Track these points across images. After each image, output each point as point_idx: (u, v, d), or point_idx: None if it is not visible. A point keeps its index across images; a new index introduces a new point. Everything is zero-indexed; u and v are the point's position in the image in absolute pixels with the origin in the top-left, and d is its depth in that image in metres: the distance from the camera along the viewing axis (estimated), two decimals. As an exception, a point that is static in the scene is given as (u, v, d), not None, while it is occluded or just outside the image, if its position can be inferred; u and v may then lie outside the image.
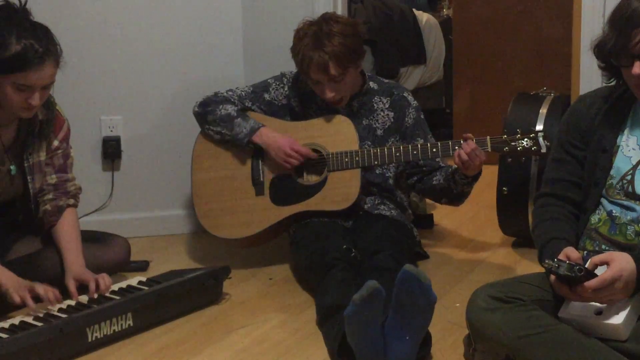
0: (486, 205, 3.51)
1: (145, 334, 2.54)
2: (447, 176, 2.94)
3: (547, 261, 2.02)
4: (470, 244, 3.40)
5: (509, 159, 2.85)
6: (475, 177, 2.87)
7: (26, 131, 2.71)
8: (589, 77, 3.23)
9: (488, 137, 2.77)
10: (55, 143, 2.79)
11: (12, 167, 2.70)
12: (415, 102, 3.13)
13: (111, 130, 3.47)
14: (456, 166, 2.85)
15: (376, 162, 2.95)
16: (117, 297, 2.61)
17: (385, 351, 2.24)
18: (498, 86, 4.61)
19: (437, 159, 3.00)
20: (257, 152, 3.04)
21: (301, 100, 3.10)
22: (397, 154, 2.90)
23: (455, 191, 2.93)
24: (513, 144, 2.75)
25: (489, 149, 2.76)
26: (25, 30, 2.53)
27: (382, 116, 3.08)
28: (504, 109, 3.35)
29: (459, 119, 4.84)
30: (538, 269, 2.20)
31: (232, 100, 3.07)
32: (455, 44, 4.90)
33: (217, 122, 3.04)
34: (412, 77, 4.92)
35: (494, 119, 3.97)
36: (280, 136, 2.98)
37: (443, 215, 3.60)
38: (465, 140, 2.74)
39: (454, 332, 2.43)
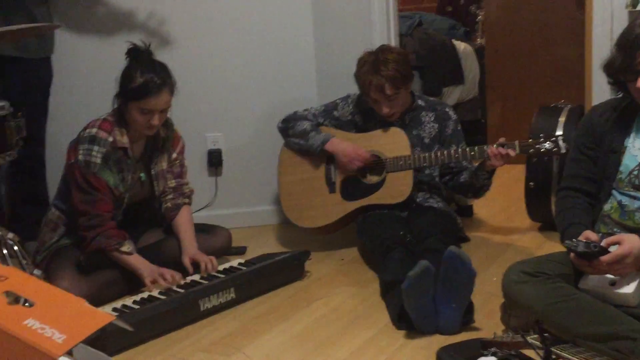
0: (516, 198, 3.45)
1: (245, 305, 2.57)
2: (471, 174, 2.92)
3: (567, 241, 1.98)
4: (504, 229, 3.34)
5: (534, 159, 2.80)
6: (493, 172, 2.84)
7: (152, 146, 2.77)
8: (600, 90, 3.15)
9: (517, 141, 2.73)
10: (174, 155, 2.84)
11: (142, 175, 2.76)
12: (455, 115, 3.09)
13: (214, 144, 3.52)
14: (478, 165, 2.84)
15: (425, 164, 2.93)
16: (222, 276, 2.64)
17: (436, 317, 2.23)
18: (524, 100, 4.53)
19: (464, 162, 2.97)
20: (330, 159, 3.04)
21: (363, 116, 3.09)
22: (442, 157, 2.88)
23: (478, 185, 2.90)
24: (537, 146, 2.70)
25: (518, 151, 2.72)
26: (147, 67, 2.59)
27: (429, 127, 3.05)
28: (529, 119, 3.29)
29: (492, 128, 4.77)
30: (560, 248, 2.15)
31: (308, 117, 3.09)
32: (487, 67, 4.84)
33: (296, 135, 3.06)
34: (453, 94, 4.86)
35: (521, 127, 3.89)
36: (347, 144, 2.98)
37: (481, 206, 3.55)
38: (499, 144, 2.72)
39: (493, 301, 2.39)
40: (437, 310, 2.22)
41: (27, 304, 0.93)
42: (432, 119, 3.06)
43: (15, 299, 0.94)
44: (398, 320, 2.30)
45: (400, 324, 2.30)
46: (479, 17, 5.49)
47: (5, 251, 2.18)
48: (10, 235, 2.24)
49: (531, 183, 3.16)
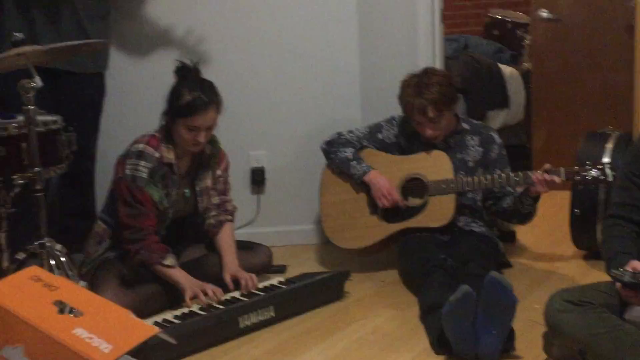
0: (560, 224, 3.39)
1: (284, 323, 2.58)
2: (515, 200, 2.89)
3: (613, 271, 1.95)
4: (547, 256, 3.29)
5: (580, 186, 2.76)
6: (538, 198, 2.82)
7: (197, 163, 2.82)
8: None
9: (562, 167, 2.70)
10: (219, 172, 2.88)
11: (186, 191, 2.80)
12: (499, 139, 3.08)
13: (257, 163, 3.54)
14: (522, 190, 2.81)
15: (468, 188, 2.92)
16: (262, 293, 2.66)
17: (476, 343, 2.20)
18: (570, 125, 4.46)
19: (508, 188, 2.95)
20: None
21: (407, 138, 3.09)
22: (486, 182, 2.86)
23: (523, 211, 2.88)
24: (583, 173, 2.66)
25: (563, 178, 2.69)
26: (195, 85, 2.65)
27: (473, 151, 3.04)
28: (575, 145, 3.24)
29: (538, 154, 4.71)
30: (605, 277, 2.11)
31: (352, 141, 3.09)
32: (533, 91, 4.79)
33: (337, 162, 3.07)
34: (498, 118, 4.83)
35: (567, 153, 3.83)
36: (384, 181, 2.96)
37: (524, 232, 3.50)
38: (545, 170, 2.69)
39: (534, 329, 2.35)
40: (477, 336, 2.20)
41: (75, 314, 0.96)
42: (477, 142, 3.04)
43: (64, 308, 0.97)
44: (437, 345, 2.29)
45: (439, 349, 2.28)
46: (525, 41, 5.45)
47: (53, 262, 2.23)
48: (58, 246, 2.30)
49: (576, 210, 3.11)
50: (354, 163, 3.03)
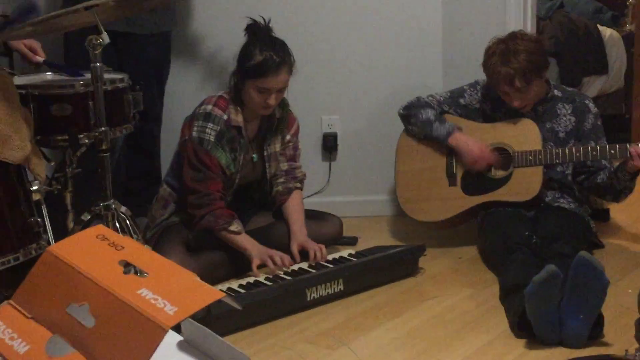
0: (660, 203, 3.29)
1: (353, 298, 2.59)
2: (610, 175, 2.82)
3: None
4: (644, 237, 3.20)
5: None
6: (636, 174, 2.75)
7: (266, 127, 2.85)
8: None
9: (665, 140, 2.61)
10: (288, 137, 2.91)
11: (254, 156, 2.84)
12: (595, 108, 2.98)
13: (330, 128, 3.55)
14: (618, 164, 2.73)
15: (557, 161, 2.85)
16: (331, 266, 2.69)
17: (561, 328, 2.17)
18: (676, 95, 4.30)
19: (603, 161, 2.87)
20: (453, 150, 3.02)
21: (492, 104, 3.04)
22: (577, 154, 2.79)
23: (619, 187, 2.81)
24: (688, 148, 2.56)
25: (666, 152, 2.60)
26: (266, 44, 2.67)
27: (564, 120, 2.96)
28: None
29: (637, 125, 4.55)
30: None
31: (432, 105, 3.07)
32: (636, 56, 4.62)
33: (418, 124, 3.04)
34: (594, 85, 4.69)
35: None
36: (472, 142, 2.94)
37: (618, 210, 3.40)
38: (643, 142, 2.61)
39: (626, 315, 2.30)
40: (562, 320, 2.16)
41: (140, 274, 0.99)
42: (569, 111, 2.96)
43: (129, 268, 1.01)
44: (518, 328, 2.26)
45: (520, 332, 2.26)
46: (629, 1, 5.25)
47: (117, 225, 2.31)
48: (123, 209, 2.37)
49: (679, 188, 3.00)
50: (436, 124, 2.99)
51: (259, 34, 2.71)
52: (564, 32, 4.58)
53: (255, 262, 2.61)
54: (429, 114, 3.02)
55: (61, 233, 2.34)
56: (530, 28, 3.39)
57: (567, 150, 2.82)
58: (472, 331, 2.33)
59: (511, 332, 2.30)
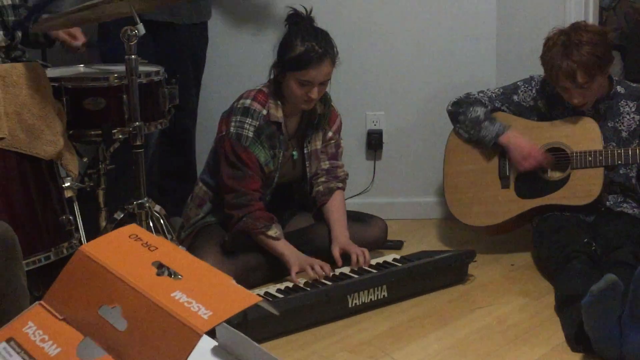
0: None
1: (397, 305, 2.59)
2: None
3: None
4: None
5: None
6: None
7: (307, 123, 2.86)
8: None
9: None
10: (330, 134, 2.92)
11: (294, 153, 2.86)
12: (663, 106, 2.94)
13: (375, 124, 3.55)
14: None
15: (619, 162, 2.81)
16: (375, 271, 2.68)
17: (621, 343, 2.14)
18: None
19: None
20: (504, 149, 3.00)
21: (548, 102, 3.01)
22: (642, 155, 2.76)
23: None
24: None
25: None
26: (308, 34, 2.68)
27: (628, 119, 2.92)
28: None
29: None
30: None
31: (483, 101, 3.04)
32: None
33: (467, 122, 3.02)
34: (661, 81, 4.61)
35: None
36: (523, 140, 2.91)
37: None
38: None
39: (693, 330, 2.26)
40: (623, 333, 2.13)
41: (174, 276, 1.01)
42: (634, 109, 2.92)
43: (163, 269, 1.02)
44: (575, 341, 2.24)
45: (576, 346, 2.24)
46: (701, -11, 5.14)
47: (151, 224, 2.35)
48: (157, 208, 2.41)
49: None
50: (486, 123, 2.97)
51: (301, 24, 2.72)
52: (629, 23, 4.53)
53: (294, 270, 2.62)
54: (479, 112, 3.00)
55: (93, 232, 2.38)
56: (592, 19, 3.35)
57: (630, 150, 2.77)
58: (524, 344, 2.31)
59: (567, 345, 2.27)
